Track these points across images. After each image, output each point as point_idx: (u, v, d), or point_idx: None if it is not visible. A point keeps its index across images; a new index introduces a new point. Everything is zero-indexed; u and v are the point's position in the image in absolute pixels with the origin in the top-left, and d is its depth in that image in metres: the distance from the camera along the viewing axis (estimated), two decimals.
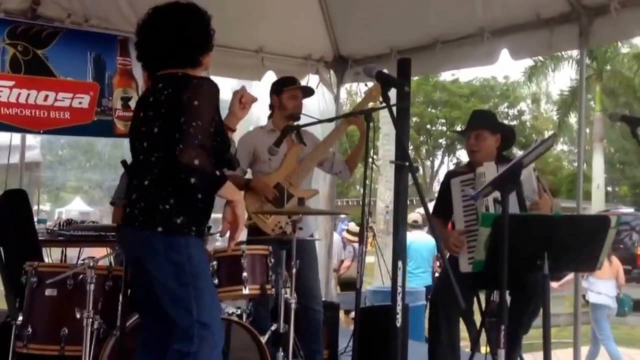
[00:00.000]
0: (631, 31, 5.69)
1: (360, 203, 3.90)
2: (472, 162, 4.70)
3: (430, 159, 41.68)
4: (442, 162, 41.10)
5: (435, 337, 4.46)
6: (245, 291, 4.18)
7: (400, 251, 3.77)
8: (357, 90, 17.12)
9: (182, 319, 3.13)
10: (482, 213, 4.03)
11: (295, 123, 4.98)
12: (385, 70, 3.70)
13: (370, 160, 3.94)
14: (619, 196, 40.43)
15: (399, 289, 3.48)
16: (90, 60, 6.28)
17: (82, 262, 3.91)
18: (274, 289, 4.31)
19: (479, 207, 4.35)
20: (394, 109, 3.44)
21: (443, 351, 4.42)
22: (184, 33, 3.28)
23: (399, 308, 3.35)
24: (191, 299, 3.12)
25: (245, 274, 4.16)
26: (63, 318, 3.88)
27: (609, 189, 37.99)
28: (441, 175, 38.65)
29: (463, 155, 39.16)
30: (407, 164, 3.04)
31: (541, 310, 3.63)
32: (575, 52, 22.61)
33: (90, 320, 3.73)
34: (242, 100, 3.53)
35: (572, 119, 27.57)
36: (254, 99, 3.61)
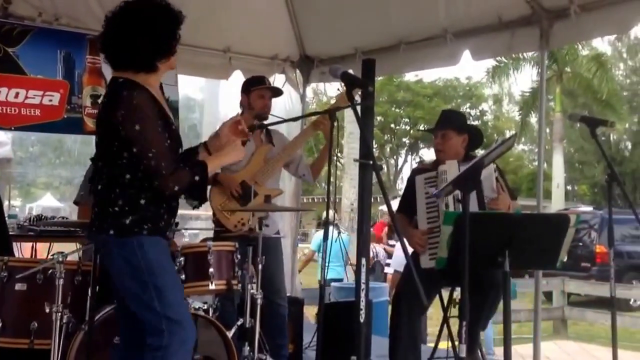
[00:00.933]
0: (589, 33, 5.87)
1: (325, 200, 3.99)
2: (438, 160, 4.80)
3: (394, 157, 41.94)
4: (405, 161, 41.41)
5: (397, 332, 4.52)
6: (212, 287, 4.24)
7: (364, 248, 3.87)
8: (323, 89, 17.22)
9: (148, 316, 3.21)
10: (445, 211, 4.11)
11: (261, 122, 5.06)
12: (350, 71, 3.81)
13: (334, 158, 4.03)
14: (578, 195, 40.98)
15: (363, 285, 3.57)
16: (60, 58, 6.34)
17: (51, 257, 3.95)
18: (240, 285, 4.39)
19: (440, 204, 4.46)
20: (359, 108, 3.54)
21: (404, 346, 4.47)
22: (148, 35, 3.22)
23: (362, 304, 3.42)
24: (153, 298, 3.18)
25: (211, 269, 4.23)
26: (33, 312, 3.92)
27: (569, 188, 38.53)
28: (405, 173, 38.97)
29: (426, 154, 39.52)
30: (371, 162, 3.13)
31: (502, 306, 3.71)
32: (536, 54, 22.94)
33: (60, 314, 3.79)
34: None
35: (533, 119, 27.91)
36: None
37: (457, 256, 3.48)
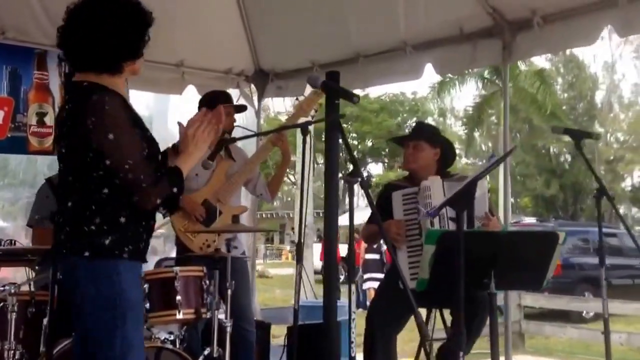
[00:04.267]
0: (553, 45, 5.75)
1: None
2: (410, 173, 4.63)
3: (342, 172, 41.78)
4: None
5: (371, 352, 4.34)
6: (180, 316, 3.92)
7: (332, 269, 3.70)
8: (271, 105, 17.11)
9: (104, 356, 2.79)
10: (428, 230, 3.93)
11: (232, 136, 4.84)
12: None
13: (308, 172, 3.86)
14: (520, 207, 41.50)
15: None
16: (6, 74, 6.03)
17: (2, 288, 3.64)
18: (209, 312, 4.10)
19: (423, 223, 4.27)
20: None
21: None
22: (114, 32, 2.89)
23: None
24: (116, 337, 2.77)
25: (179, 297, 3.90)
26: None
27: (512, 200, 39.00)
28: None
29: (374, 169, 39.71)
30: (360, 179, 2.90)
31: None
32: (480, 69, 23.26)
33: (12, 352, 3.49)
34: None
35: (476, 133, 28.14)
36: None
37: (439, 277, 3.30)
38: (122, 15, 2.92)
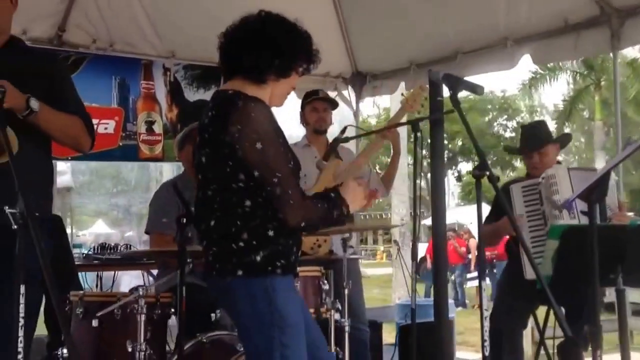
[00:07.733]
0: None
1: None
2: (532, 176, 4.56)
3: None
4: (445, 175, 41.13)
5: (498, 353, 4.26)
6: None
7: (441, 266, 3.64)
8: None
9: None
10: (550, 225, 3.83)
11: (344, 135, 4.83)
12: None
13: (419, 172, 3.82)
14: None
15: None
16: (115, 85, 6.32)
17: (132, 291, 3.71)
18: (328, 313, 4.03)
19: (546, 212, 4.18)
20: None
21: None
22: (263, 40, 2.81)
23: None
24: (276, 357, 2.67)
25: None
26: (112, 351, 3.61)
27: None
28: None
29: (464, 167, 39.42)
30: (488, 173, 2.85)
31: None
32: (569, 63, 22.75)
33: (143, 353, 3.48)
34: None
35: (567, 129, 27.45)
36: None
37: (562, 274, 3.22)
38: (278, 29, 2.87)
